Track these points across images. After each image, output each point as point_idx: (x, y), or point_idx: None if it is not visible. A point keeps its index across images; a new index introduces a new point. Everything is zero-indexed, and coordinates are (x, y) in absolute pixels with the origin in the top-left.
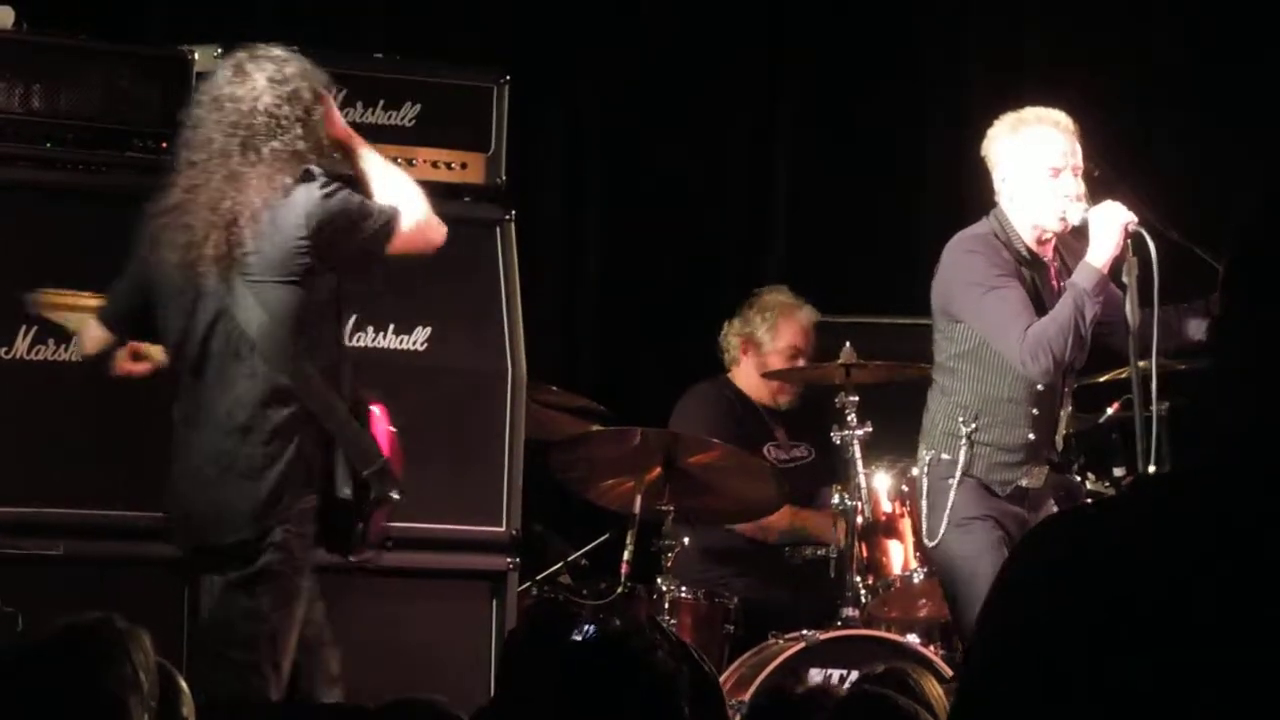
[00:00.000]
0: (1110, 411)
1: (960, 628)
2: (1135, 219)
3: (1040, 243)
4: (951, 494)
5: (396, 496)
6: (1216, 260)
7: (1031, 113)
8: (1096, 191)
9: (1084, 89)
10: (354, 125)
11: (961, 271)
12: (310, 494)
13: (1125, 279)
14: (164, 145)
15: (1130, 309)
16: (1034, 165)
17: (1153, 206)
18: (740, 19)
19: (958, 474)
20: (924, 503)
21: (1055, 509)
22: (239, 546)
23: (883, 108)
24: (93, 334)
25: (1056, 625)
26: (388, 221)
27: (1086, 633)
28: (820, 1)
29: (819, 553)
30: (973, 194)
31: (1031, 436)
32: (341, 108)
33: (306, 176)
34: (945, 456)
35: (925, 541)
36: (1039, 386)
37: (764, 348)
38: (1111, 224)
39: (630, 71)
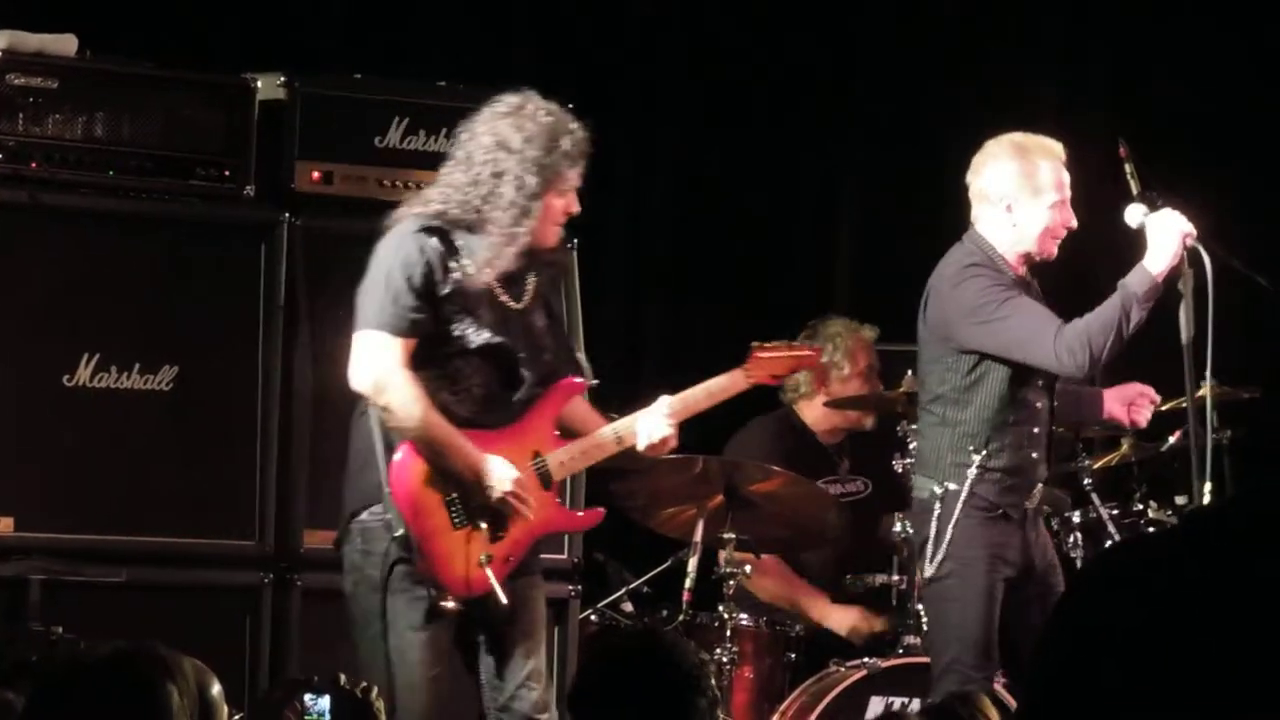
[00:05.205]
0: (1172, 440)
1: (935, 664)
2: (1195, 231)
3: (1021, 265)
4: (951, 528)
5: None
6: (1253, 272)
7: (1032, 141)
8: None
9: (1140, 129)
10: (417, 153)
11: (964, 298)
12: None
13: (1180, 289)
14: (226, 173)
15: (1185, 322)
16: (1046, 193)
17: (1212, 232)
18: (808, 54)
19: (959, 506)
20: (932, 533)
21: (1041, 524)
22: None
23: (942, 137)
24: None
25: (1104, 662)
26: None
27: (1133, 671)
28: (890, 35)
29: (880, 580)
30: None
31: (1034, 455)
32: (404, 136)
33: None
34: (952, 487)
35: (927, 570)
36: (1038, 404)
37: (843, 372)
38: (1171, 232)
39: (698, 106)
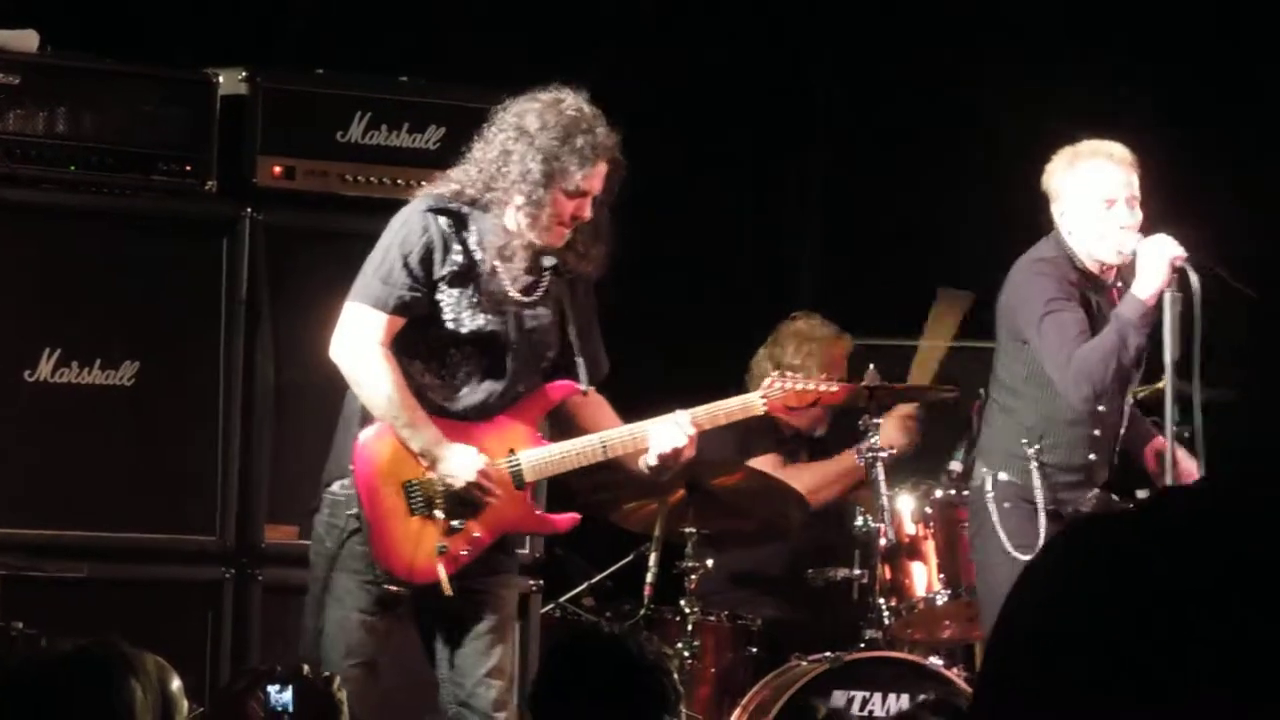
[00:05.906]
0: None
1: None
2: (1183, 253)
3: (1103, 268)
4: (999, 516)
5: None
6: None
7: (1087, 145)
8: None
9: (1116, 124)
10: (379, 148)
11: (1027, 293)
12: None
13: (1165, 311)
14: (188, 168)
15: (1169, 342)
16: (1090, 197)
17: (1202, 243)
18: (776, 43)
19: (1036, 496)
20: (996, 520)
21: None
22: None
23: (914, 132)
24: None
25: (1062, 635)
26: None
27: (1092, 644)
28: (858, 25)
29: (842, 574)
30: (1003, 214)
31: (1092, 458)
32: (366, 130)
33: None
34: (1004, 476)
35: (1010, 552)
36: (1100, 408)
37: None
38: (1159, 257)
39: (661, 98)
